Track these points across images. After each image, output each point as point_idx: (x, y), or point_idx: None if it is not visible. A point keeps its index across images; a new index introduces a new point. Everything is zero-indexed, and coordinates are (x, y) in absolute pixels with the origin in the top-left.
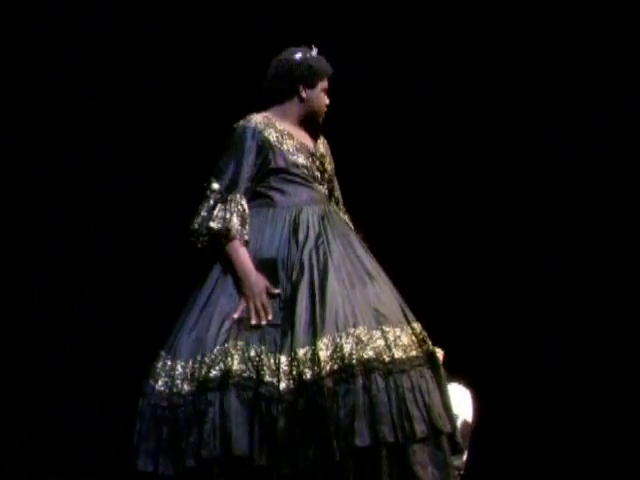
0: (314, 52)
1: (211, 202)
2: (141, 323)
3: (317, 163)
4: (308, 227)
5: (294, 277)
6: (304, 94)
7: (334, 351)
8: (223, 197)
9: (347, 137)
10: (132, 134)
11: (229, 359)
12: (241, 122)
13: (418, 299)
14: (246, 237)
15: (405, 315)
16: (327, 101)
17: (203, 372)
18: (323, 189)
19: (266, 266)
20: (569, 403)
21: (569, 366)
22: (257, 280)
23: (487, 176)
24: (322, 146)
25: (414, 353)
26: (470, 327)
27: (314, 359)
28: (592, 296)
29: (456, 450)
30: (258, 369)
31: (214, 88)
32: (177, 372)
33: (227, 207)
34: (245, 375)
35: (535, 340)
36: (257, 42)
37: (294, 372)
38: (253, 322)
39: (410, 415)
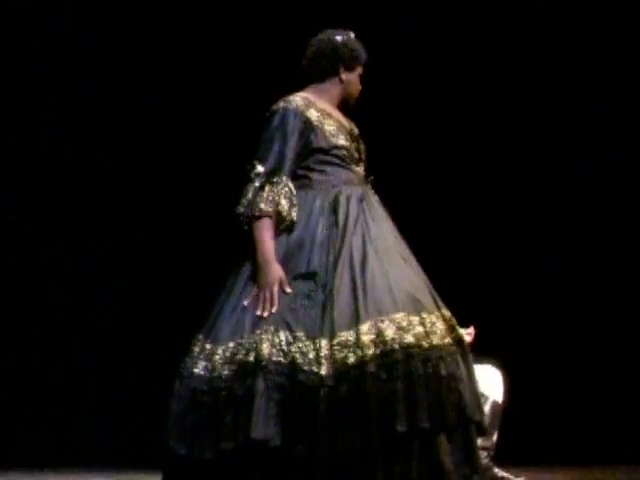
0: (352, 35)
1: (257, 184)
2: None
3: (355, 144)
4: (348, 209)
5: (332, 259)
6: (344, 76)
7: (377, 336)
8: (269, 179)
9: None
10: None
11: (262, 344)
12: (282, 103)
13: (447, 280)
14: (295, 218)
15: (436, 301)
16: (360, 87)
17: (241, 356)
18: (361, 170)
19: (298, 248)
20: (598, 382)
21: (599, 345)
22: (273, 271)
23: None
24: (356, 127)
25: (448, 340)
26: (500, 307)
27: (358, 343)
28: (622, 278)
29: (482, 432)
30: (292, 354)
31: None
32: (217, 356)
33: (274, 189)
34: (275, 360)
35: (565, 320)
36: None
37: (336, 356)
38: (257, 312)
39: (446, 402)
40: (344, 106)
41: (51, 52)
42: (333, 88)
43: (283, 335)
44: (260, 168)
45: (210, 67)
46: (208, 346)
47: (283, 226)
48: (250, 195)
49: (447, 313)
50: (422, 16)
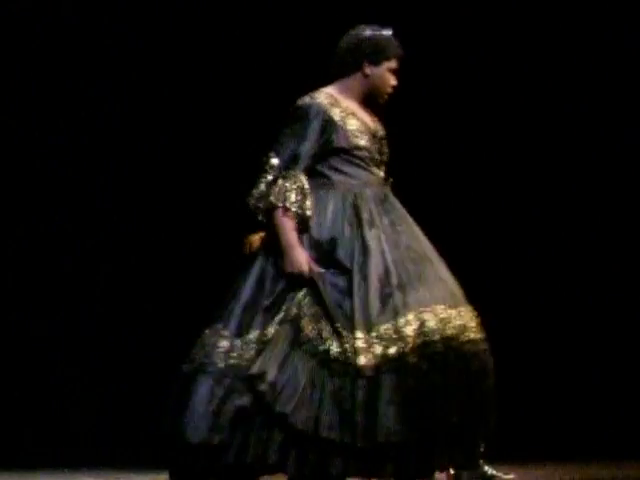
0: (386, 31)
1: (269, 177)
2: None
3: (377, 145)
4: (370, 208)
5: (358, 257)
6: (368, 70)
7: (419, 327)
8: (282, 173)
9: None
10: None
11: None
12: (306, 99)
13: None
14: (309, 213)
15: (464, 297)
16: (393, 82)
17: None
18: (381, 173)
19: (325, 245)
20: (589, 378)
21: (593, 342)
22: (299, 253)
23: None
24: (382, 128)
25: (480, 335)
26: (493, 299)
27: (399, 335)
28: None
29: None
30: (327, 344)
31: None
32: (236, 347)
33: (286, 183)
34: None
35: (556, 315)
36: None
37: (375, 348)
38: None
39: (475, 398)
40: (373, 103)
41: (51, 52)
42: (357, 83)
43: (316, 326)
44: (275, 161)
45: (217, 65)
46: (227, 337)
47: (298, 220)
48: (262, 187)
49: (473, 309)
50: (422, 16)
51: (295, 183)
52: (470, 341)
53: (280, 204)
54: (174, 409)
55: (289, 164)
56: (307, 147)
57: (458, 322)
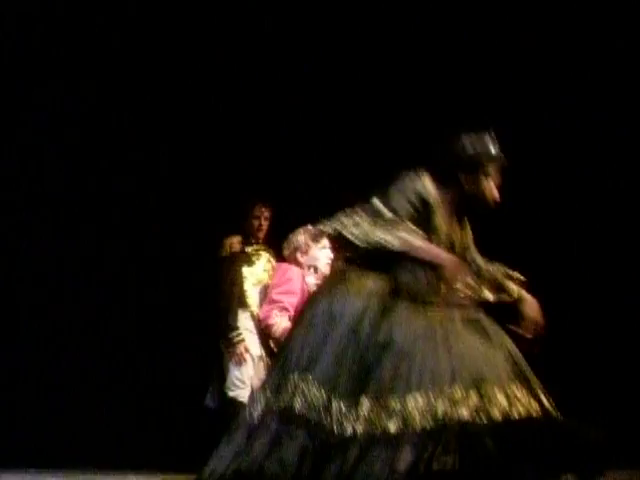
0: (486, 136)
1: (371, 221)
2: None
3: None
4: None
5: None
6: (463, 180)
7: (428, 407)
8: (387, 219)
9: None
10: None
11: (296, 397)
12: (418, 174)
13: None
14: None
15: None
16: (493, 189)
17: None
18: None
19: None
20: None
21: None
22: (450, 256)
23: None
24: (467, 236)
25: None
26: None
27: (404, 412)
28: None
29: None
30: (332, 408)
31: None
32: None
33: (403, 227)
34: (305, 414)
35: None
36: None
37: (374, 419)
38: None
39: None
40: (471, 207)
41: (50, 51)
42: (453, 192)
43: (322, 391)
44: (383, 210)
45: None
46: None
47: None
48: (366, 226)
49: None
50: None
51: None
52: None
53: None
54: None
55: (394, 217)
56: (408, 210)
57: (473, 402)
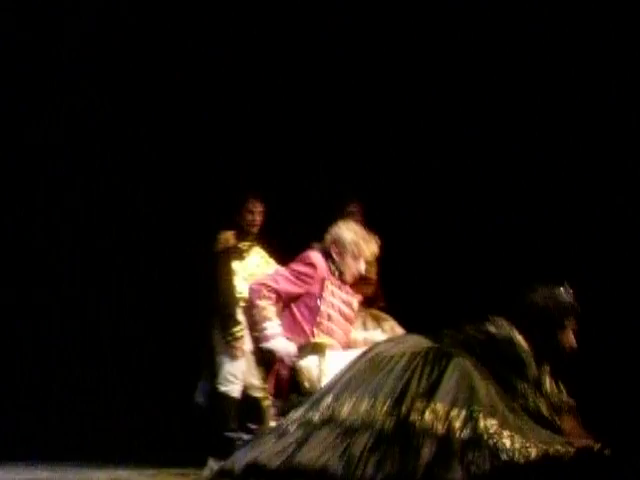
0: (559, 289)
1: None
2: None
3: None
4: None
5: None
6: (539, 335)
7: None
8: None
9: None
10: None
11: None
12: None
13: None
14: None
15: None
16: (569, 338)
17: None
18: None
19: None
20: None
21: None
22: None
23: None
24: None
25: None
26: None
27: None
28: None
29: None
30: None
31: None
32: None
33: None
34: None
35: None
36: None
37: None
38: None
39: None
40: (552, 356)
41: (50, 51)
42: (530, 344)
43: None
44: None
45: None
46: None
47: None
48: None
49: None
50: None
51: None
52: None
53: None
54: None
55: None
56: None
57: None
